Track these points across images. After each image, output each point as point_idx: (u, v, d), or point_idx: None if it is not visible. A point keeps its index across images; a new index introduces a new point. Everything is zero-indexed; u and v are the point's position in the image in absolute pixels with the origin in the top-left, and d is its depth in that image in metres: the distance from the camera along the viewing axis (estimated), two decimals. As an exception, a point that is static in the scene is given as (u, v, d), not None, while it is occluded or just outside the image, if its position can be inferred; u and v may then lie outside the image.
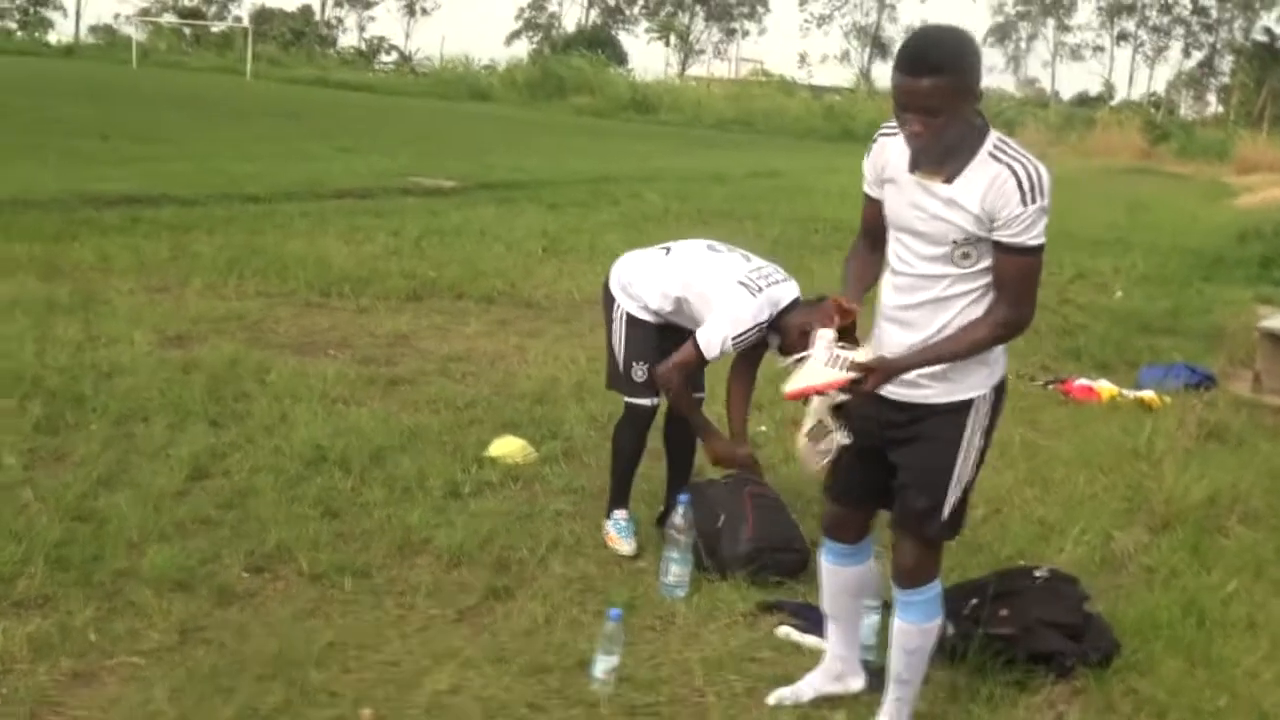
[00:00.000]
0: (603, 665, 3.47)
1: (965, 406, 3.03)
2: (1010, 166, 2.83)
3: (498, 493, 4.97)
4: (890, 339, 3.06)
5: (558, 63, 53.23)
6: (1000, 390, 3.10)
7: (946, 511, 3.09)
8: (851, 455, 3.15)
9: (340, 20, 76.50)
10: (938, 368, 2.99)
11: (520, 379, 6.74)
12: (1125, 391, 7.42)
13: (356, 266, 9.59)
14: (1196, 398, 7.43)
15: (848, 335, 3.00)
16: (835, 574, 3.39)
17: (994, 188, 2.82)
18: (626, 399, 4.58)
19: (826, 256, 12.46)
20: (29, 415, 5.22)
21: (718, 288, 4.28)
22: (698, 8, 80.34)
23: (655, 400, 4.55)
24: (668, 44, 78.86)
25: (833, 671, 3.52)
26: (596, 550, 4.47)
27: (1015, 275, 2.90)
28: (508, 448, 5.42)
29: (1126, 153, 42.61)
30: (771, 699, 3.47)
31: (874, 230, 3.16)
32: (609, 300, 4.60)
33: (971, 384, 3.03)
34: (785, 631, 3.91)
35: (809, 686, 3.49)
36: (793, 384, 3.01)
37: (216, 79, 39.97)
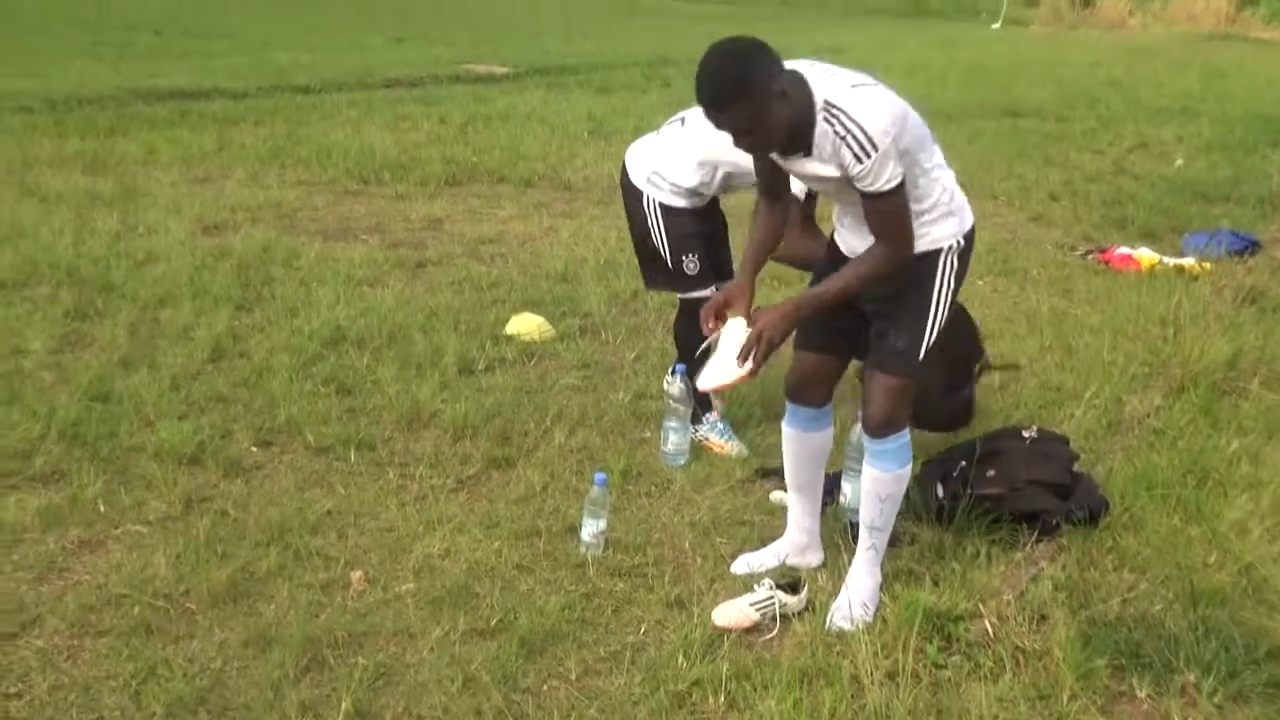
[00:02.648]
0: (590, 529, 3.55)
1: (935, 254, 3.12)
2: (839, 132, 2.86)
3: (511, 369, 5.04)
4: None
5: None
6: (969, 238, 3.19)
7: (923, 350, 3.15)
8: None
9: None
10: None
11: (548, 259, 6.77)
12: (1166, 259, 7.27)
13: (398, 154, 9.63)
14: (1240, 264, 7.26)
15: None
16: (802, 441, 3.42)
17: (836, 152, 2.90)
18: (682, 295, 4.28)
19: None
20: (60, 303, 5.38)
21: None
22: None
23: (714, 289, 4.09)
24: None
25: (798, 544, 3.55)
26: (600, 421, 4.53)
27: (880, 217, 2.97)
28: (525, 325, 5.48)
29: (1211, 19, 40.84)
30: (736, 566, 3.53)
31: (771, 185, 3.26)
32: (633, 194, 4.22)
33: (939, 235, 3.12)
34: (778, 496, 3.95)
35: (773, 556, 3.54)
36: (705, 381, 3.19)
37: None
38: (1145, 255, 7.32)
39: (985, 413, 4.78)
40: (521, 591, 3.33)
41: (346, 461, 4.07)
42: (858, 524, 3.65)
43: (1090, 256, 7.46)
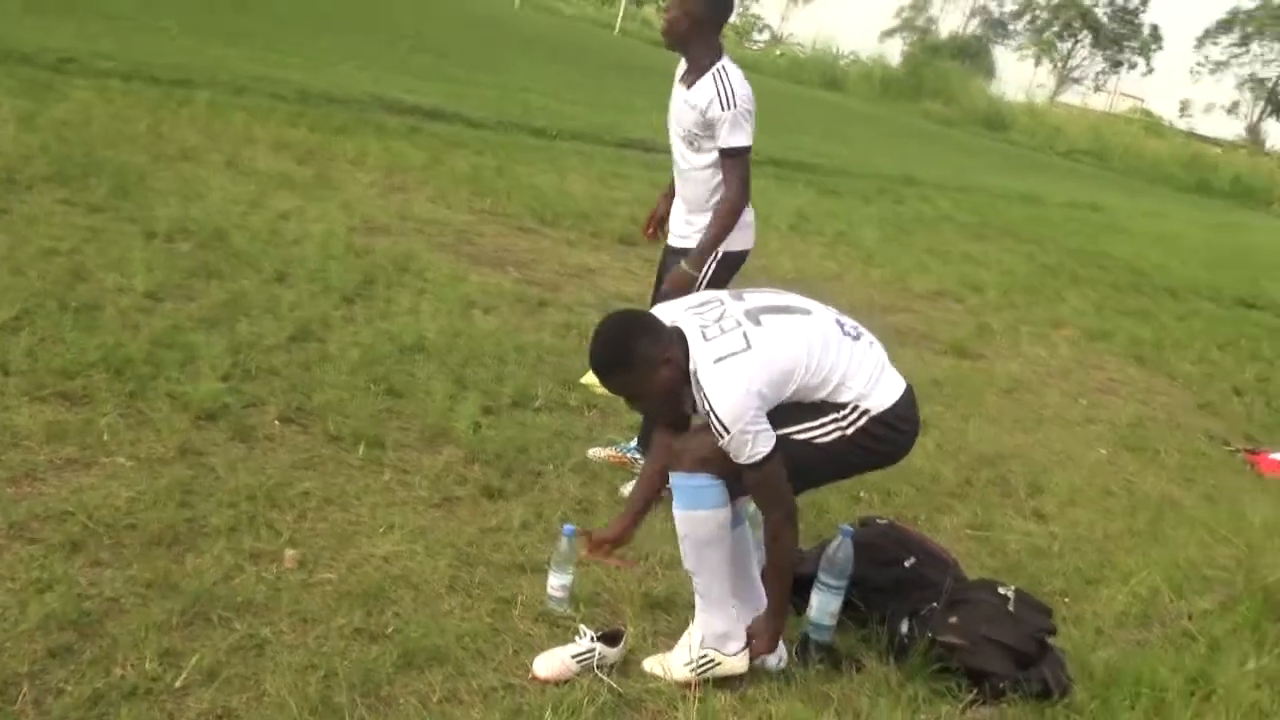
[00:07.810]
0: (554, 581, 3.49)
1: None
2: (703, 407, 3.07)
3: (564, 413, 5.08)
4: None
5: (925, 65, 52.26)
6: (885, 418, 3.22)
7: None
8: None
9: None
10: None
11: (668, 327, 6.78)
12: (1321, 474, 6.74)
13: (590, 205, 9.88)
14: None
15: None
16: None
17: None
18: None
19: (1088, 289, 11.86)
20: (189, 258, 5.74)
21: None
22: (1085, 34, 76.76)
23: None
24: (1037, 64, 75.83)
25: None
26: (615, 480, 4.50)
27: (754, 487, 3.15)
28: (602, 379, 5.50)
29: None
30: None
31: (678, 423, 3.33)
32: None
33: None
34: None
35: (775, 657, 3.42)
36: None
37: (583, 28, 41.49)
38: (1299, 465, 6.81)
39: (1022, 576, 4.52)
40: (438, 610, 3.34)
41: (353, 454, 4.17)
42: (822, 641, 3.52)
43: (1239, 454, 7.00)
